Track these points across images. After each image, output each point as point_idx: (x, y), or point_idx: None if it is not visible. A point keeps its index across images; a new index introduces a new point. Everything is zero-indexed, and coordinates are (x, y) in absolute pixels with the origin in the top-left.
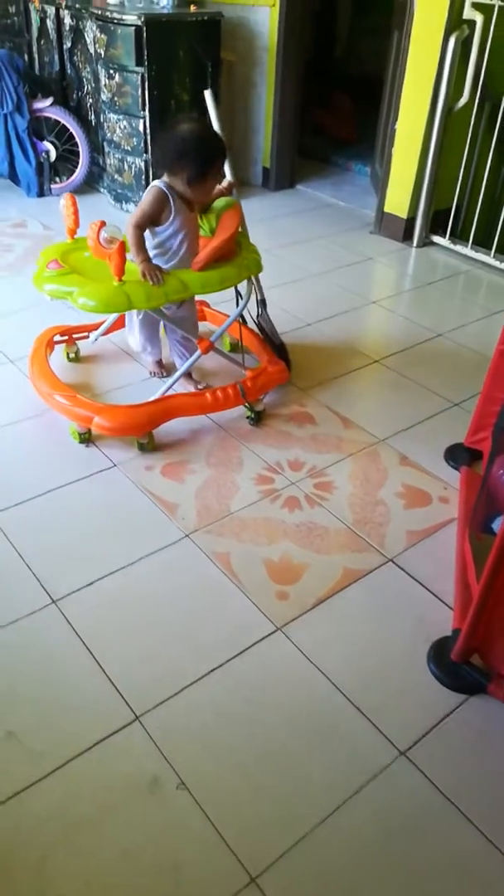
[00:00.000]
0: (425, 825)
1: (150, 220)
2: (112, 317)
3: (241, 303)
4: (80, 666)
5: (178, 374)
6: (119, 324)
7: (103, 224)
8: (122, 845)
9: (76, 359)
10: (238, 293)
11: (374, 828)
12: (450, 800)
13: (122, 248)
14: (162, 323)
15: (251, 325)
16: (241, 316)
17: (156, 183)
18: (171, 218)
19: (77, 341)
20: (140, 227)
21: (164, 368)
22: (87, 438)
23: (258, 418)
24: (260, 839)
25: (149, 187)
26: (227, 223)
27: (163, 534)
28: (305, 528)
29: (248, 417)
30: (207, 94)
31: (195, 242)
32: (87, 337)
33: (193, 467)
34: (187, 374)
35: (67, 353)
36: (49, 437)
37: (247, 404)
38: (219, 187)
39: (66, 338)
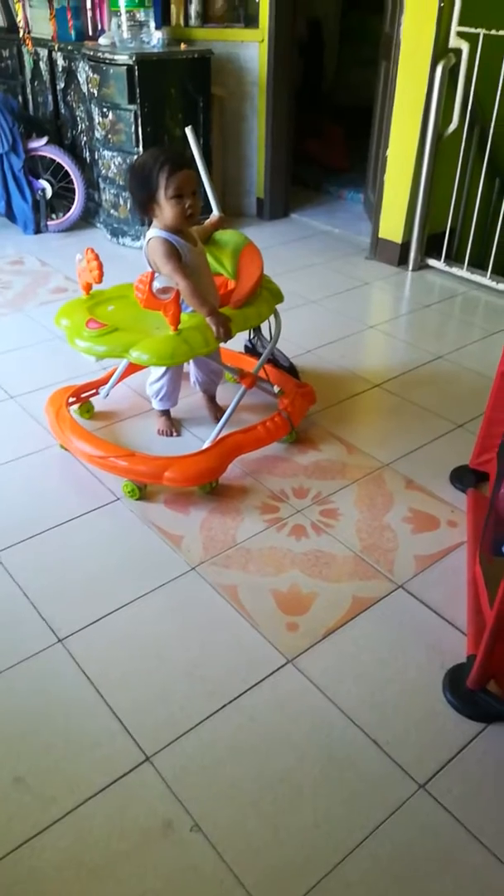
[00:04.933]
0: (449, 861)
1: (181, 262)
2: (119, 369)
3: (275, 333)
4: (88, 706)
5: (229, 411)
6: (125, 373)
7: (153, 275)
8: (137, 893)
9: (91, 416)
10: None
11: (397, 865)
12: (473, 834)
13: (178, 297)
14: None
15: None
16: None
17: (150, 235)
18: (185, 259)
19: (88, 399)
20: (188, 276)
21: (174, 426)
22: (143, 494)
23: (295, 440)
24: (278, 882)
25: (148, 243)
26: (252, 259)
27: (169, 567)
28: (313, 557)
29: (284, 440)
30: (188, 130)
31: (209, 277)
32: (97, 393)
33: (197, 498)
34: (167, 416)
35: (82, 412)
36: (51, 473)
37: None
38: (210, 221)
39: (74, 399)
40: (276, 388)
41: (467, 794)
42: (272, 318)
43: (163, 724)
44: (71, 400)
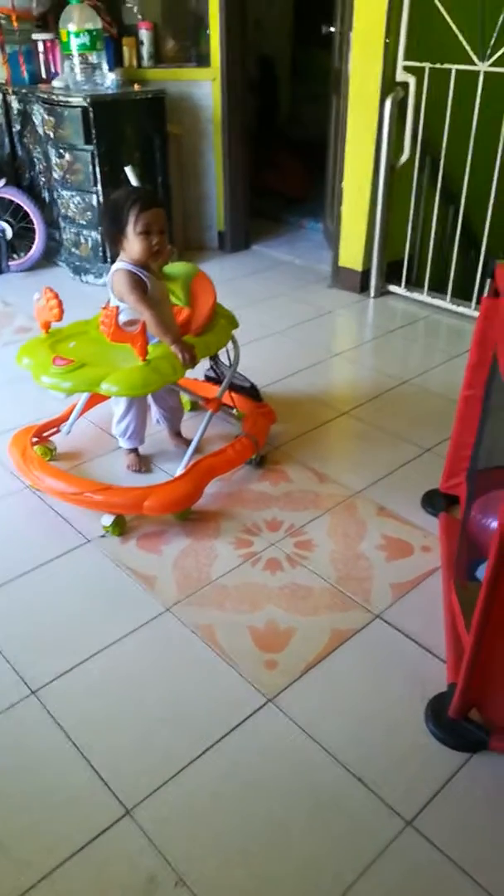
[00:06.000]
0: None
1: (146, 294)
2: (80, 405)
3: (234, 358)
4: (64, 760)
5: (198, 436)
6: (85, 407)
7: (118, 309)
8: None
9: (51, 458)
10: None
11: None
12: (465, 870)
13: (145, 329)
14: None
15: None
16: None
17: (116, 267)
18: (149, 291)
19: (50, 438)
20: (152, 306)
21: (143, 463)
22: (123, 530)
23: (262, 462)
24: None
25: (114, 274)
26: (204, 287)
27: (142, 609)
28: (289, 591)
29: (250, 461)
30: (128, 169)
31: (170, 309)
32: (59, 431)
33: (170, 536)
34: (135, 454)
35: (43, 455)
36: (18, 518)
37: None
38: None
39: (38, 439)
40: (235, 411)
41: (456, 828)
42: (230, 343)
43: (142, 773)
44: (34, 440)
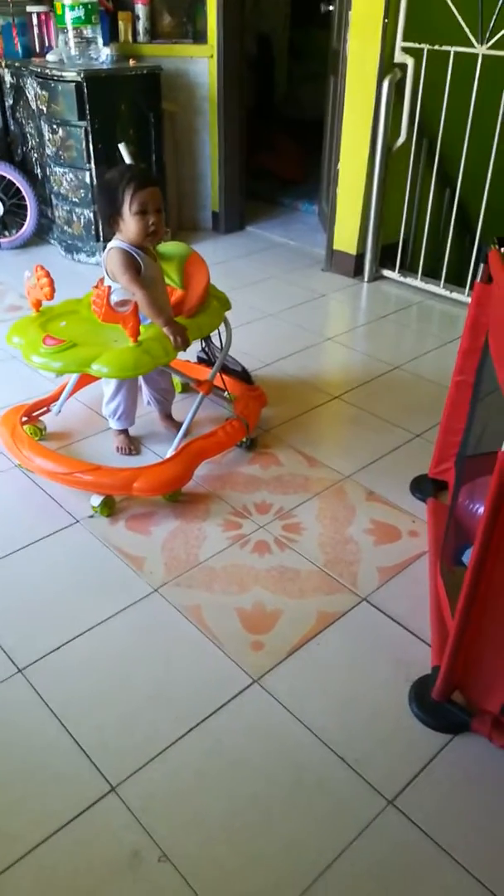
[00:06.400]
0: (421, 878)
1: (139, 274)
2: (70, 384)
3: (226, 340)
4: (50, 738)
5: (189, 418)
6: (76, 387)
7: (110, 289)
8: None
9: (41, 437)
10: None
11: (368, 885)
12: (443, 849)
13: (137, 310)
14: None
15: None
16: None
17: (111, 245)
18: (143, 272)
19: (40, 417)
20: (145, 287)
21: (133, 444)
22: (112, 511)
23: (253, 445)
24: None
25: (108, 253)
26: (198, 268)
27: (131, 590)
28: (276, 573)
29: (241, 444)
30: (122, 146)
31: (164, 290)
32: (49, 411)
33: (159, 518)
34: (125, 435)
35: (33, 435)
36: (7, 497)
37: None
38: None
39: (27, 419)
40: (227, 394)
41: (437, 809)
42: (222, 325)
43: (128, 751)
44: (24, 419)
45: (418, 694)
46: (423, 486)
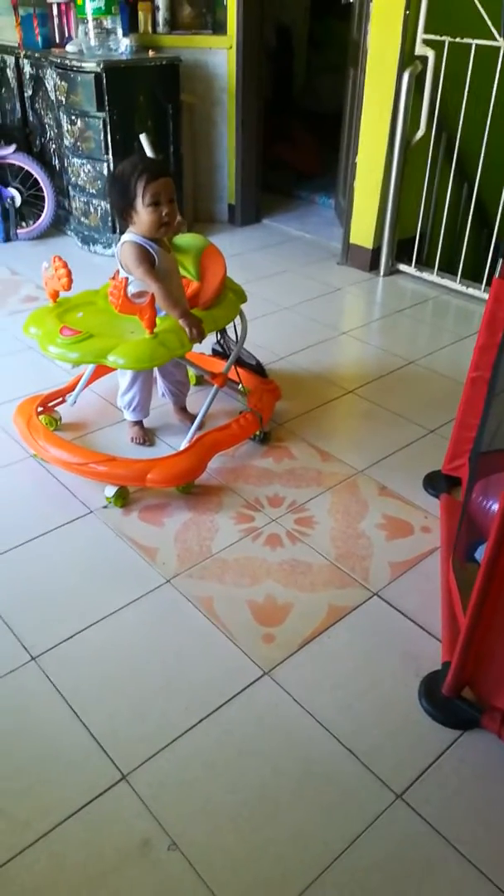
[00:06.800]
0: (428, 873)
1: (153, 267)
2: (86, 375)
3: (241, 333)
4: (62, 726)
5: (203, 410)
6: (91, 378)
7: (127, 280)
8: None
9: (56, 428)
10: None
11: (375, 878)
12: (451, 844)
13: (153, 301)
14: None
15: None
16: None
17: (125, 239)
18: (157, 264)
19: (55, 408)
20: (160, 279)
21: (147, 436)
22: (126, 502)
23: (266, 438)
24: None
25: (122, 246)
26: (215, 261)
27: (143, 580)
28: (288, 566)
29: (254, 437)
30: (142, 137)
31: (179, 282)
32: (65, 401)
33: (172, 509)
34: (139, 426)
35: (48, 425)
36: (22, 487)
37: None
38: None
39: (43, 409)
40: (241, 387)
41: (445, 803)
42: (237, 318)
43: (139, 740)
44: (40, 409)
45: (428, 689)
46: (437, 482)
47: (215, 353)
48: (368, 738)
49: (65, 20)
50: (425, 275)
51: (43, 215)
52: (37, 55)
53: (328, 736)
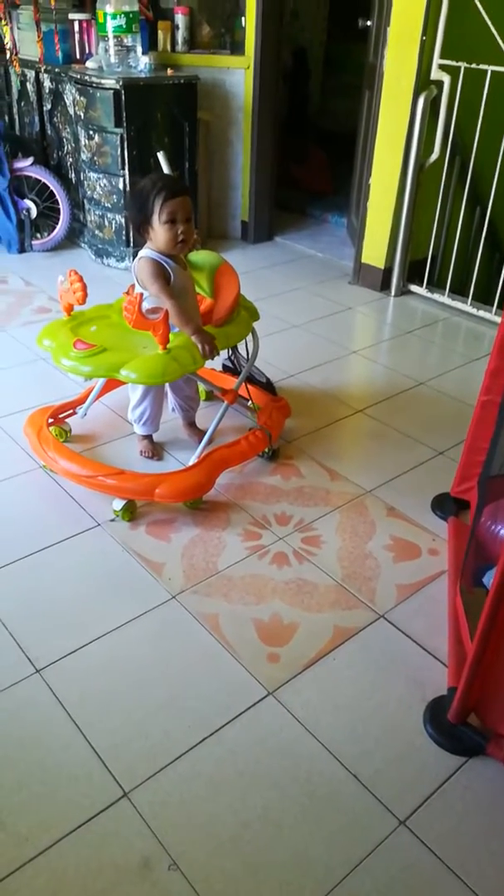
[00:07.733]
0: None
1: (169, 284)
2: (97, 388)
3: (252, 350)
4: (65, 740)
5: (213, 426)
6: (102, 391)
7: (142, 296)
8: None
9: (66, 440)
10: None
11: None
12: (454, 871)
13: (167, 317)
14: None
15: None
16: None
17: (141, 254)
18: (172, 281)
19: (66, 420)
20: (174, 296)
21: (156, 450)
22: (133, 516)
23: (275, 455)
24: None
25: (138, 262)
26: (229, 279)
27: (149, 596)
28: (295, 586)
29: (263, 454)
30: (160, 155)
31: (194, 299)
32: (76, 413)
33: (179, 525)
34: (149, 440)
35: (58, 436)
36: (31, 498)
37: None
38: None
39: (53, 420)
40: (250, 403)
41: (449, 830)
42: (249, 335)
43: (141, 757)
44: (50, 421)
45: (433, 715)
46: (445, 505)
47: (226, 368)
48: (372, 762)
49: (85, 37)
50: (436, 296)
51: (58, 227)
52: (57, 70)
53: (332, 759)
